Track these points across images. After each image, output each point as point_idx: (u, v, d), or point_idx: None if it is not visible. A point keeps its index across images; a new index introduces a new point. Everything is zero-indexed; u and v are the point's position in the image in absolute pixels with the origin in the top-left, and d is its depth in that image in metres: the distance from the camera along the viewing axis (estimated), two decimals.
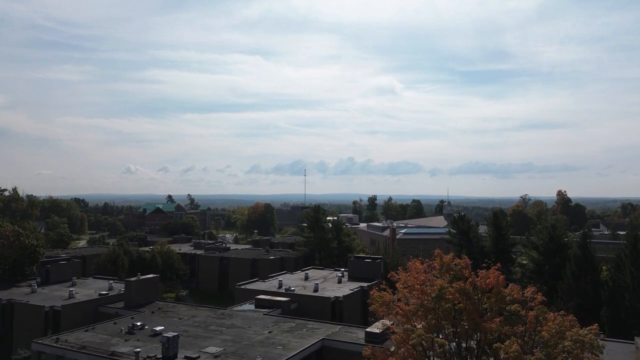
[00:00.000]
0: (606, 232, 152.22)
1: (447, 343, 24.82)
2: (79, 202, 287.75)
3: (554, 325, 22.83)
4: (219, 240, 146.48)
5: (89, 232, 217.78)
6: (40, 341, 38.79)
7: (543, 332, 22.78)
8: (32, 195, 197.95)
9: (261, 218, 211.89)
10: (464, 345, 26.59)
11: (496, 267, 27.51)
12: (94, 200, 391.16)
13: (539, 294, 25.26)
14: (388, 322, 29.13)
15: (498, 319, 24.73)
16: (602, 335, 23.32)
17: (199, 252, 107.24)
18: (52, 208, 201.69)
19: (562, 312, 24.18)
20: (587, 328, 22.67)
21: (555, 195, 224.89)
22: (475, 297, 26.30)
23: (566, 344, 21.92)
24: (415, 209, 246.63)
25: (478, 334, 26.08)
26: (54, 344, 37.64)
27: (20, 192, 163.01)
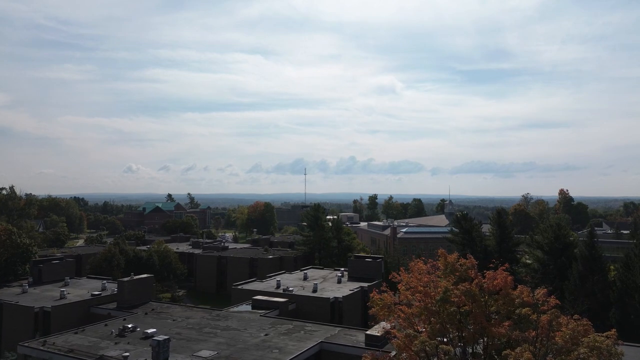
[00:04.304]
0: (609, 232, 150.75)
1: (452, 349, 23.22)
2: (78, 201, 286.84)
3: (567, 331, 21.21)
4: (218, 239, 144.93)
5: (88, 231, 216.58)
6: (26, 344, 37.20)
7: (556, 339, 21.15)
8: (30, 194, 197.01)
9: (261, 217, 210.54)
10: (469, 350, 25.03)
11: (504, 268, 25.98)
12: (95, 200, 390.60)
13: (552, 296, 23.64)
14: (388, 326, 27.58)
15: (507, 323, 23.16)
16: (620, 342, 21.61)
17: (197, 251, 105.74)
18: (51, 207, 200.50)
19: (576, 316, 22.54)
20: (605, 333, 21.05)
21: (557, 194, 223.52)
22: (482, 299, 24.76)
23: (582, 350, 20.32)
24: (416, 208, 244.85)
25: (485, 338, 24.53)
26: (41, 347, 36.07)
27: (20, 191, 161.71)
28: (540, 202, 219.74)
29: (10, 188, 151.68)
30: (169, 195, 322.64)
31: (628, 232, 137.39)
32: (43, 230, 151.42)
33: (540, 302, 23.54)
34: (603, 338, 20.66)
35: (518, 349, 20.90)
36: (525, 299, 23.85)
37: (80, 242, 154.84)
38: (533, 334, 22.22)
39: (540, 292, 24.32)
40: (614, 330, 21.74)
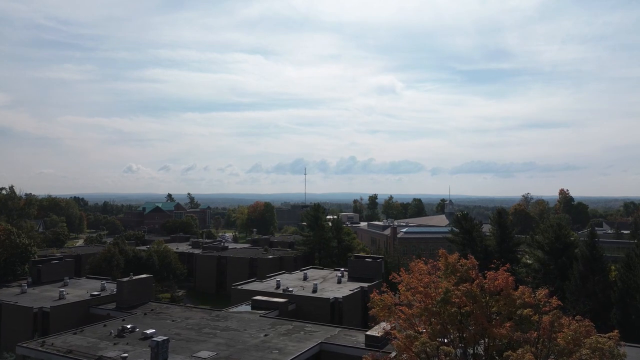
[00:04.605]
0: (609, 232, 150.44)
1: (453, 351, 23.04)
2: (78, 201, 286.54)
3: (569, 332, 21.01)
4: (218, 239, 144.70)
5: (88, 231, 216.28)
6: (25, 345, 37.06)
7: (558, 340, 20.96)
8: (30, 194, 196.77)
9: (261, 217, 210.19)
10: (470, 351, 24.86)
11: (505, 268, 25.80)
12: (95, 200, 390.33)
13: (554, 297, 23.44)
14: (388, 326, 27.40)
15: (508, 324, 22.99)
16: (622, 343, 21.41)
17: (196, 251, 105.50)
18: (51, 207, 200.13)
19: (578, 317, 22.35)
20: (607, 335, 20.85)
21: (557, 194, 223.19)
22: (483, 300, 24.59)
23: (583, 352, 20.13)
24: (417, 208, 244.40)
25: (486, 339, 24.36)
26: (39, 348, 35.92)
27: (20, 191, 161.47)
28: (541, 202, 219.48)
29: (10, 188, 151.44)
30: (169, 195, 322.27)
31: (628, 232, 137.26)
32: (43, 230, 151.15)
33: (542, 302, 23.34)
34: (605, 339, 20.48)
35: (519, 350, 20.72)
36: (526, 299, 23.69)
37: (80, 242, 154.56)
38: (535, 335, 22.06)
39: (541, 292, 24.13)
40: (616, 331, 21.54)
